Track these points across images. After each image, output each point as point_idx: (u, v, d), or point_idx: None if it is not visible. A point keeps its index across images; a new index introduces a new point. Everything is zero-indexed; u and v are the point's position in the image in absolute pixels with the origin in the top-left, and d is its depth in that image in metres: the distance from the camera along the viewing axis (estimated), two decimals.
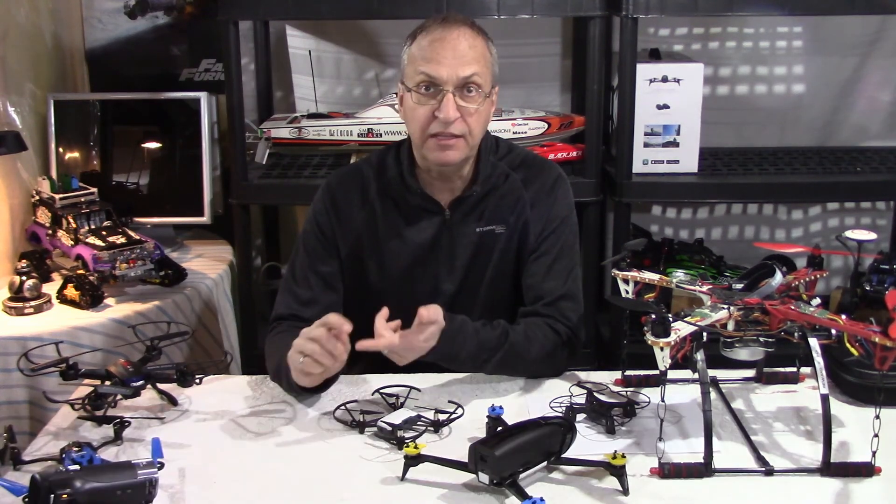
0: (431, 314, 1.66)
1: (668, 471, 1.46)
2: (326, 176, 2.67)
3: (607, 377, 1.81)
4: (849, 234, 1.84)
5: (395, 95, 2.73)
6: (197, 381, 1.75)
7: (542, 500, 1.32)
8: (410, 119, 1.83)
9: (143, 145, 2.92)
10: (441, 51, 1.76)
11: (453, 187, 1.91)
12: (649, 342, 1.39)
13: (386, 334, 1.62)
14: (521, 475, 1.43)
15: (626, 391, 1.75)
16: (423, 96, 1.79)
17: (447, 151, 1.80)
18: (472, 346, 1.77)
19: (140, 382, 1.67)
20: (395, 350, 1.66)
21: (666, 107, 2.61)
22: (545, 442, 1.44)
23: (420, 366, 1.81)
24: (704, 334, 1.45)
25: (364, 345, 1.61)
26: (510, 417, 1.51)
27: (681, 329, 1.42)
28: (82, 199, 2.59)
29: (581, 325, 1.90)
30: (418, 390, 1.76)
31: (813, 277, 1.65)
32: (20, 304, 2.32)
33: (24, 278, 2.34)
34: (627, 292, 1.71)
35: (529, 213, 1.91)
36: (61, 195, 2.57)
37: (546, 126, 2.73)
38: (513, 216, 1.91)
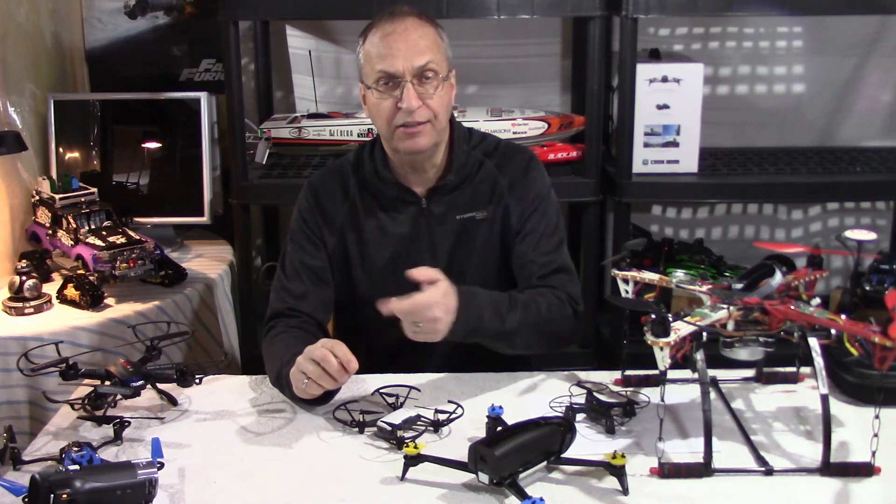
0: (428, 273, 1.69)
1: (668, 471, 1.46)
2: None
3: (607, 377, 1.81)
4: (849, 234, 1.84)
5: None
6: (197, 381, 1.75)
7: (542, 500, 1.32)
8: (376, 115, 1.87)
9: (143, 145, 2.92)
10: (394, 44, 1.80)
11: (426, 177, 1.93)
12: (649, 342, 1.39)
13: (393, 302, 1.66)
14: (521, 475, 1.43)
15: (626, 391, 1.75)
16: (384, 91, 1.82)
17: (417, 139, 1.84)
18: (489, 304, 1.76)
19: (140, 382, 1.67)
20: (410, 316, 1.66)
21: (666, 107, 2.61)
22: (545, 442, 1.44)
23: (420, 366, 1.82)
24: (704, 334, 1.45)
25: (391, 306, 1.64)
26: (510, 417, 1.51)
27: (681, 329, 1.42)
28: (82, 199, 2.59)
29: (580, 296, 1.92)
30: (418, 390, 1.75)
31: (813, 277, 1.64)
32: (20, 304, 2.33)
33: (24, 278, 2.34)
34: (627, 292, 1.71)
35: (508, 197, 1.93)
36: (61, 195, 2.57)
37: (546, 126, 2.73)
38: (492, 202, 1.93)
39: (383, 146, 1.92)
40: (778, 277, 1.55)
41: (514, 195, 1.94)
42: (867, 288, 2.14)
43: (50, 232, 2.58)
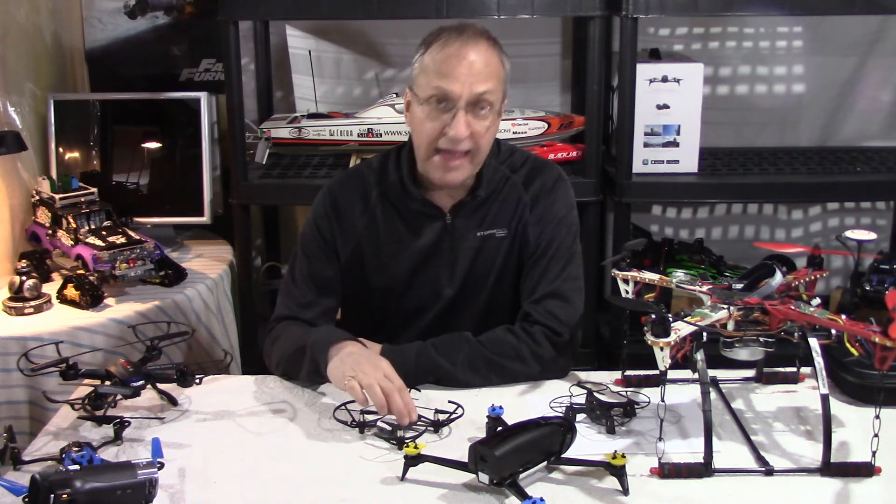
0: None
1: (668, 471, 1.46)
2: (326, 176, 2.69)
3: (607, 377, 1.81)
4: (849, 234, 1.84)
5: (395, 95, 2.74)
6: (197, 381, 1.75)
7: (542, 500, 1.32)
8: (418, 131, 1.82)
9: (143, 145, 2.92)
10: (457, 66, 1.74)
11: (454, 193, 1.90)
12: (649, 342, 1.39)
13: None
14: (521, 475, 1.43)
15: (626, 391, 1.75)
16: (434, 110, 1.77)
17: (452, 172, 1.80)
18: (416, 345, 1.80)
19: (140, 382, 1.67)
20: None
21: (666, 107, 2.61)
22: (545, 442, 1.44)
23: None
24: (704, 334, 1.45)
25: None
26: (510, 417, 1.51)
27: (681, 329, 1.42)
28: (82, 199, 2.59)
29: (573, 324, 1.86)
30: (418, 390, 1.75)
31: (813, 277, 1.65)
32: (20, 304, 2.32)
33: (24, 278, 2.34)
34: (627, 292, 1.71)
35: (529, 216, 1.90)
36: (61, 195, 2.57)
37: (546, 126, 2.73)
38: (513, 220, 1.91)
39: (413, 157, 1.87)
40: (778, 277, 1.55)
41: (534, 214, 1.90)
42: (867, 288, 2.14)
43: (50, 232, 2.58)
